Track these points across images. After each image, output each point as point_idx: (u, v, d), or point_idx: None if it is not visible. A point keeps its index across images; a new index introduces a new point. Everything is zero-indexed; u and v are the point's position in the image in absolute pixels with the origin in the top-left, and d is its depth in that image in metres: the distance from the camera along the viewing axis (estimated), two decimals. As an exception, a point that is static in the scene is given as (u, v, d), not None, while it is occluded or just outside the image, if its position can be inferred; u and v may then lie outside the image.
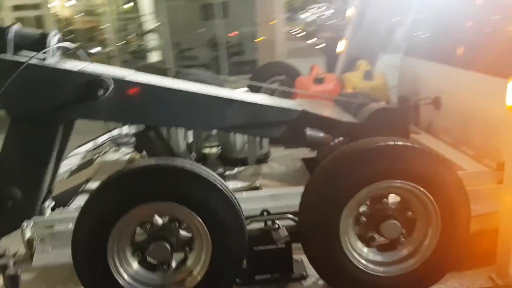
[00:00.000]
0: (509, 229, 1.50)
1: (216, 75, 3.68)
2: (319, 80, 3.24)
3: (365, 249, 1.48)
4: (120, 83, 2.12)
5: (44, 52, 2.09)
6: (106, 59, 13.18)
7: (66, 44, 2.27)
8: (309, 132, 2.24)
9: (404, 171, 1.40)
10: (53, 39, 2.17)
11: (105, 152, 3.29)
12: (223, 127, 2.44)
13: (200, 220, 1.44)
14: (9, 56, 2.05)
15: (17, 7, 12.41)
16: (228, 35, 12.67)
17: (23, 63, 2.02)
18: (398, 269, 1.46)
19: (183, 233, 1.56)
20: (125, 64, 14.59)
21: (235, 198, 1.46)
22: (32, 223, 2.07)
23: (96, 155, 3.28)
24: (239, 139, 2.83)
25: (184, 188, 1.43)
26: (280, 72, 3.88)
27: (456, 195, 1.41)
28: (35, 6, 12.59)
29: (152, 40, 16.81)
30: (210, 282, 1.49)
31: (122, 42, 18.68)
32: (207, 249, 1.47)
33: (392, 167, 1.39)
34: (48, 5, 14.60)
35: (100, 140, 3.37)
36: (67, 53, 2.45)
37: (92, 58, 2.32)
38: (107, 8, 16.18)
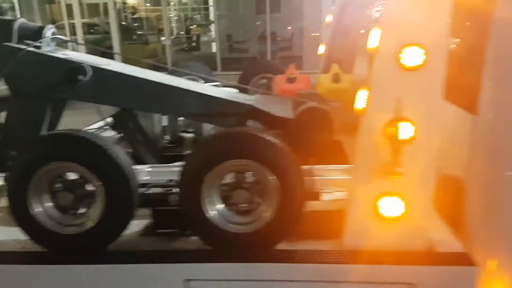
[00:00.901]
0: (352, 207, 1.84)
1: (208, 71, 4.04)
2: (291, 80, 3.60)
3: (225, 211, 1.85)
4: (97, 70, 2.60)
5: (40, 42, 2.63)
6: (161, 48, 14.10)
7: (59, 36, 2.80)
8: (250, 123, 2.63)
9: (249, 152, 1.77)
10: (48, 32, 2.70)
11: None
12: (181, 114, 2.85)
13: (97, 178, 1.87)
14: (13, 43, 2.60)
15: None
16: (282, 29, 13.13)
17: (23, 49, 2.56)
18: (249, 228, 1.82)
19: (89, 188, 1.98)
20: (178, 53, 15.46)
21: (128, 164, 1.86)
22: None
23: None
24: (207, 125, 3.23)
25: (83, 151, 1.84)
26: (267, 70, 4.23)
27: (293, 174, 1.76)
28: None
29: (210, 32, 17.57)
30: (101, 227, 1.90)
31: (182, 32, 19.62)
32: (102, 202, 1.89)
33: (240, 148, 1.76)
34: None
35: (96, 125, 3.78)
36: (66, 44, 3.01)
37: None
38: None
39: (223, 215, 1.79)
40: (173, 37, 17.31)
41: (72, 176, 1.92)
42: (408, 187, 1.77)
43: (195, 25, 20.01)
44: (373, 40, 1.84)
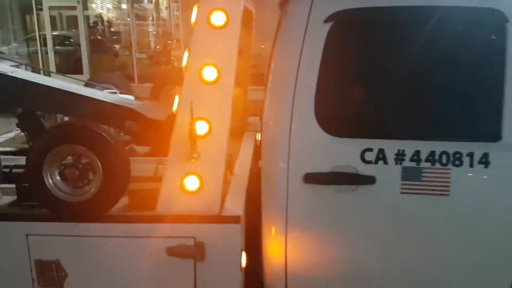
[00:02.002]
0: (165, 184, 2.44)
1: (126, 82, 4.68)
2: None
3: (62, 184, 2.43)
4: (3, 76, 3.20)
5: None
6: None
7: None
8: (127, 123, 3.24)
9: (78, 139, 2.36)
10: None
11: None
12: (70, 113, 3.43)
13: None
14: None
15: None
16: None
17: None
18: (79, 198, 2.40)
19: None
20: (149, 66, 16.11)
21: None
22: None
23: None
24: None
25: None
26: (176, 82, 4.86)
27: (114, 158, 2.36)
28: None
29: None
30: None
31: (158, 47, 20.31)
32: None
33: (70, 135, 2.35)
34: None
35: None
36: None
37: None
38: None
39: (59, 188, 2.37)
40: (150, 51, 17.89)
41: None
42: (204, 169, 2.39)
43: (172, 41, 20.71)
44: (184, 60, 2.48)
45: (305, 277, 2.53)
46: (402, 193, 2.37)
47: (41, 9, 13.85)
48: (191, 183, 2.40)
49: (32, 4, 13.85)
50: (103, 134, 2.37)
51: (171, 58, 18.61)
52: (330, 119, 2.43)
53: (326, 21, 2.43)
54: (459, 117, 2.44)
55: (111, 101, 3.33)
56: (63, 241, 2.35)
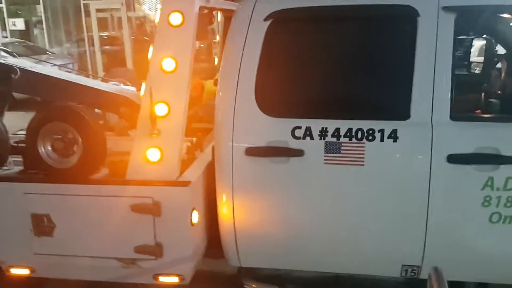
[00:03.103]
0: (133, 155, 3.00)
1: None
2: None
3: (52, 153, 3.04)
4: (24, 70, 3.87)
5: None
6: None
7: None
8: (122, 109, 3.84)
9: (63, 117, 2.95)
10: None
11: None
12: (76, 101, 4.09)
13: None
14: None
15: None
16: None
17: (-23, 56, 3.87)
18: (65, 165, 2.99)
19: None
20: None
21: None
22: None
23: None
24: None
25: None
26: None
27: (91, 134, 2.94)
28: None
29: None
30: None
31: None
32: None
33: (56, 114, 2.94)
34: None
35: None
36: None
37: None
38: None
39: (50, 156, 2.99)
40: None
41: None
42: (164, 143, 2.92)
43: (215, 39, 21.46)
44: (150, 53, 3.03)
45: (249, 232, 3.01)
46: (325, 163, 2.81)
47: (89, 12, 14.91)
48: (153, 155, 2.94)
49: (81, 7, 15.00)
50: (83, 114, 2.97)
51: (213, 56, 19.38)
52: (267, 103, 2.90)
53: (265, 19, 2.91)
54: (373, 100, 2.86)
55: (111, 91, 3.95)
56: (52, 199, 2.96)
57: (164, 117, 2.91)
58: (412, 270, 2.91)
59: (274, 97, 2.93)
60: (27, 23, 20.49)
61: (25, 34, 19.81)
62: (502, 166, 2.65)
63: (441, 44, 2.70)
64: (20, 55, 10.83)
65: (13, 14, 19.96)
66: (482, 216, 2.71)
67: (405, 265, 2.91)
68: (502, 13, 2.92)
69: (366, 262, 2.97)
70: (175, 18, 2.92)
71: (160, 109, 2.92)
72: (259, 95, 2.89)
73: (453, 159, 2.67)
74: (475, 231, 2.78)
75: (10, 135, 3.29)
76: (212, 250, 3.25)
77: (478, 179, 2.67)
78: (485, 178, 2.66)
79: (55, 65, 8.10)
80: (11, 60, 3.97)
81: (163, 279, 2.97)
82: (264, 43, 2.90)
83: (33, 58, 9.17)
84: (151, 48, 3.05)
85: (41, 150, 2.99)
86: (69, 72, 4.32)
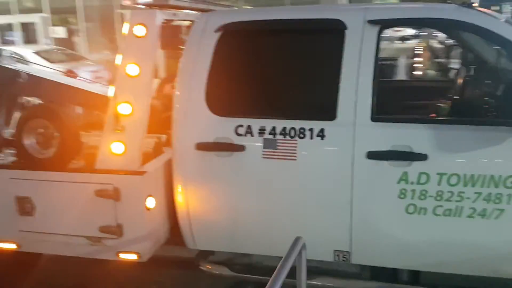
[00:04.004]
0: (100, 148, 3.47)
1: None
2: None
3: (34, 145, 3.55)
4: (31, 75, 4.42)
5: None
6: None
7: (12, 55, 4.70)
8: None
9: (43, 115, 3.45)
10: (4, 52, 4.60)
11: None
12: (65, 102, 4.58)
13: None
14: (-17, 55, 4.52)
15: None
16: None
17: (-9, 63, 4.46)
18: (45, 156, 3.50)
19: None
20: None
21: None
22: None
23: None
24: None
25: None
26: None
27: (66, 129, 3.44)
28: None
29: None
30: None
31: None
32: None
33: (38, 112, 3.46)
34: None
35: None
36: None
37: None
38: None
39: (32, 147, 3.52)
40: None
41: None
42: (127, 138, 3.37)
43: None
44: (117, 60, 3.49)
45: (201, 218, 3.41)
46: (263, 157, 3.19)
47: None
48: (118, 148, 3.39)
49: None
50: (60, 113, 3.47)
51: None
52: (215, 104, 3.30)
53: (216, 31, 3.32)
54: (305, 102, 3.22)
55: (98, 92, 4.45)
56: (33, 184, 3.46)
57: (128, 115, 3.36)
58: (343, 255, 3.23)
59: (221, 99, 3.33)
60: (70, 31, 21.77)
61: (67, 42, 21.04)
62: (415, 162, 2.93)
63: (365, 54, 3.03)
64: (52, 62, 11.72)
65: (56, 23, 21.27)
66: (399, 207, 3.01)
67: (336, 250, 3.23)
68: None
69: (303, 247, 3.30)
70: (139, 30, 3.37)
71: (124, 109, 3.36)
72: (209, 96, 3.30)
73: (371, 155, 2.98)
74: (394, 221, 3.07)
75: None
76: (177, 238, 3.66)
77: (394, 174, 2.97)
78: (400, 173, 2.96)
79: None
80: (19, 66, 4.54)
81: (123, 256, 3.41)
82: (214, 51, 3.30)
83: (62, 64, 9.92)
84: (118, 56, 3.51)
85: (26, 142, 3.50)
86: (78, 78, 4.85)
